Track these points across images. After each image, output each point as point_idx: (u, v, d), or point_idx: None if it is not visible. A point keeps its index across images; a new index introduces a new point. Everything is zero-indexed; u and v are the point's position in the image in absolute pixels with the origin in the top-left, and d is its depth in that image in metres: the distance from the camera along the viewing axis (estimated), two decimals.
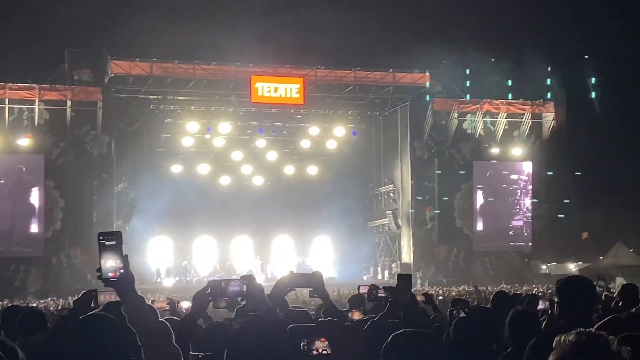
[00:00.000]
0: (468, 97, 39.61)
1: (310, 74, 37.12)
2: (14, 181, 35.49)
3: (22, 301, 28.17)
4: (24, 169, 35.55)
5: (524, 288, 29.68)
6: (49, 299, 27.97)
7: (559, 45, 39.96)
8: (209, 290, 4.90)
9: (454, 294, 23.97)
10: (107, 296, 4.72)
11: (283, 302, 5.44)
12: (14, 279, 34.65)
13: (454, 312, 6.23)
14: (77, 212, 35.67)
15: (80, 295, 5.55)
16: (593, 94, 40.56)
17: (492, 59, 38.40)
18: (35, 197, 35.63)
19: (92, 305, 5.45)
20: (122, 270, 4.15)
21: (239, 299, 4.92)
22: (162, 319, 4.67)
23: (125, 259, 4.17)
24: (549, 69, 40.09)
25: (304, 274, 5.16)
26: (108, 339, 4.30)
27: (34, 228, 35.64)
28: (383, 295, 5.92)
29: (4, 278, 34.34)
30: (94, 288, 5.69)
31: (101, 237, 4.18)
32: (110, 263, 4.16)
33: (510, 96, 40.23)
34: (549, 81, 40.24)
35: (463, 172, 39.88)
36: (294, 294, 16.64)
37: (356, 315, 6.56)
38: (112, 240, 4.18)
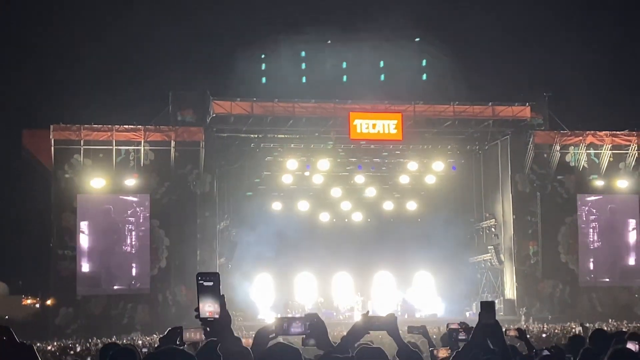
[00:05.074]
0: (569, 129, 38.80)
1: (408, 109, 37.05)
2: (122, 220, 36.62)
3: (128, 338, 28.97)
4: (132, 209, 36.63)
5: (633, 325, 28.66)
6: (155, 335, 28.63)
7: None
8: (274, 328, 4.91)
9: (557, 331, 23.33)
10: (193, 334, 4.79)
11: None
12: (122, 316, 35.64)
13: (538, 351, 6.13)
14: (181, 250, 36.42)
15: (166, 333, 5.68)
16: None
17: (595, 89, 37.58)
18: (142, 235, 36.63)
19: (177, 342, 5.56)
20: (219, 311, 4.26)
21: (303, 337, 4.89)
22: None
23: (222, 299, 4.26)
24: None
25: (378, 316, 5.20)
26: None
27: (142, 266, 36.57)
28: (457, 328, 5.96)
29: (113, 316, 35.40)
30: (180, 325, 5.83)
31: (199, 278, 4.31)
32: (208, 303, 4.28)
33: (614, 127, 39.18)
34: None
35: (567, 205, 38.94)
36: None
37: (442, 353, 6.48)
38: (210, 281, 4.30)
